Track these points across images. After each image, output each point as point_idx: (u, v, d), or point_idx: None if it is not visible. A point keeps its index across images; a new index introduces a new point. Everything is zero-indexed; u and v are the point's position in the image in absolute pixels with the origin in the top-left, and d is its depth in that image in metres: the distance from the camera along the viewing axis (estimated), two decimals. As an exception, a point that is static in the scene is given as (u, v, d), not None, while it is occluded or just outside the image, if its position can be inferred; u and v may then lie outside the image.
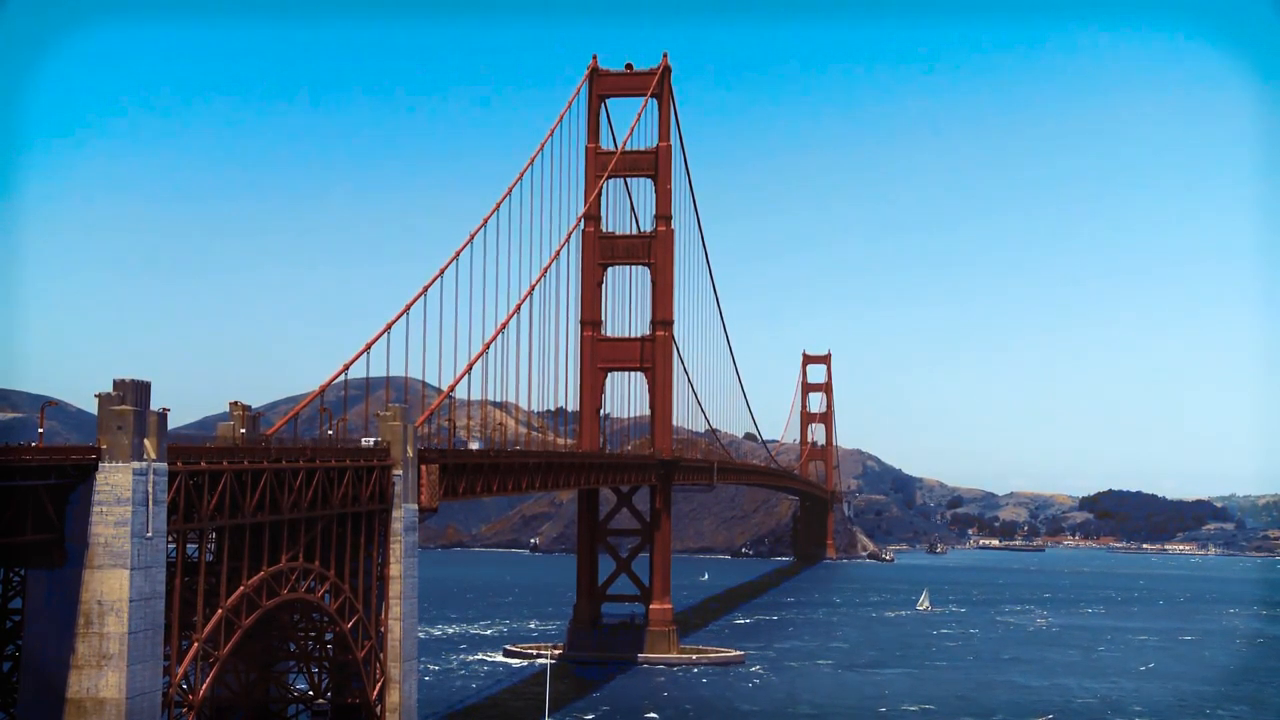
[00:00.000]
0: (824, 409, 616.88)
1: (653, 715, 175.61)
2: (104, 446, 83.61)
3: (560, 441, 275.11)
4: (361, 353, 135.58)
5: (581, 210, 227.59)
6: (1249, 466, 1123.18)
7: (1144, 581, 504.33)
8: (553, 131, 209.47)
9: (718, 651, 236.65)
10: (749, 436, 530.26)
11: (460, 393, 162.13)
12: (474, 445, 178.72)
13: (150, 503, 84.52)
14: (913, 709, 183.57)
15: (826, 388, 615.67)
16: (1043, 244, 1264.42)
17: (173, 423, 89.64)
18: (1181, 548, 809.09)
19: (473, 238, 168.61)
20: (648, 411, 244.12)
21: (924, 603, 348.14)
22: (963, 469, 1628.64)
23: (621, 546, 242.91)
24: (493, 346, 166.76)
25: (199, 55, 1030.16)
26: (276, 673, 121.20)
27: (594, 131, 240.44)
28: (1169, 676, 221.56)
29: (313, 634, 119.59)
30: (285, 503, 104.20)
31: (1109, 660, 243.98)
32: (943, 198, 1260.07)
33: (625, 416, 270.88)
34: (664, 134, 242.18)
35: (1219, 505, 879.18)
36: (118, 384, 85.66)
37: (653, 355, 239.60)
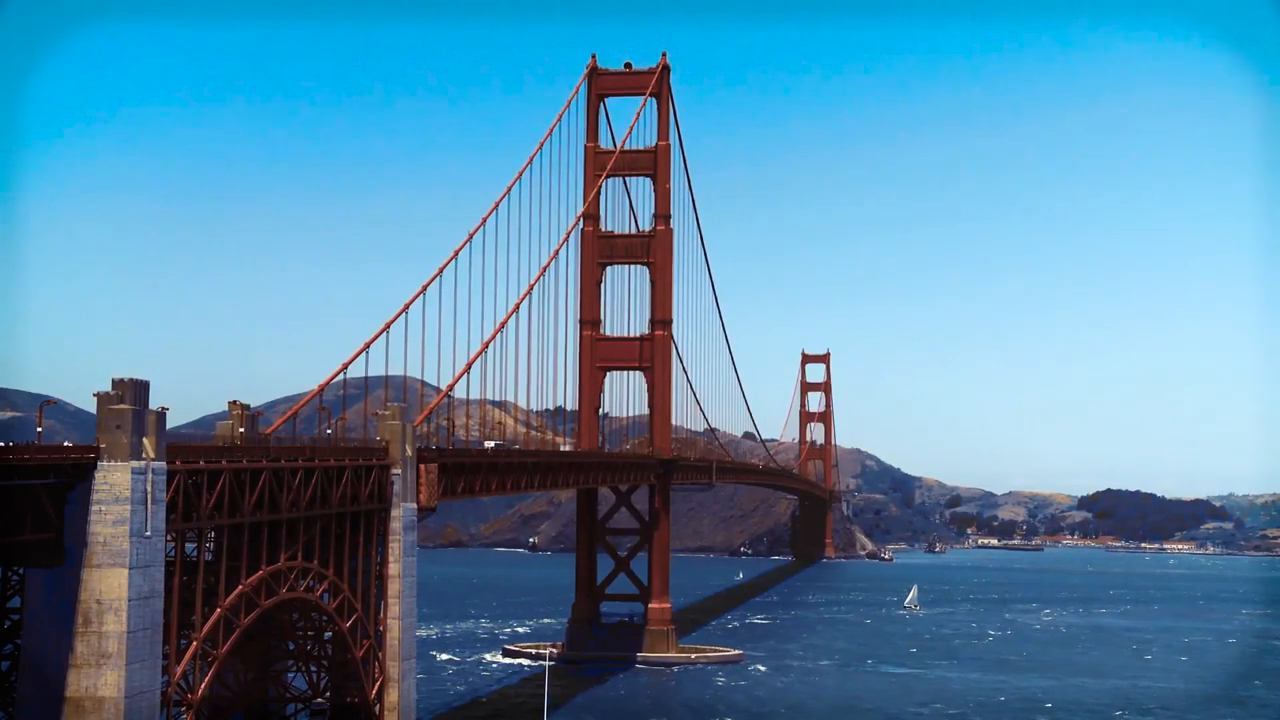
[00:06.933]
0: (823, 408, 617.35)
1: (652, 715, 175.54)
2: (103, 446, 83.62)
3: (560, 441, 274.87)
4: (360, 352, 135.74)
5: (580, 209, 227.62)
6: (1248, 466, 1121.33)
7: (1145, 581, 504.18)
8: (552, 130, 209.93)
9: (717, 650, 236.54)
10: (748, 436, 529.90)
11: (459, 392, 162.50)
12: (489, 444, 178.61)
13: (149, 502, 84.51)
14: (913, 709, 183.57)
15: (825, 387, 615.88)
16: (1043, 243, 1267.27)
17: (171, 422, 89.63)
18: (1180, 547, 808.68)
19: (472, 237, 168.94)
20: (647, 411, 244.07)
21: (912, 601, 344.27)
22: (962, 468, 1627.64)
23: (620, 546, 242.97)
24: (492, 346, 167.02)
25: (199, 55, 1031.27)
26: (275, 672, 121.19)
27: (593, 131, 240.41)
28: (1176, 677, 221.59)
29: (311, 633, 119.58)
30: (284, 502, 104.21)
31: (1113, 660, 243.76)
32: (942, 197, 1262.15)
33: (624, 416, 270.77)
34: (663, 133, 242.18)
35: (1217, 505, 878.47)
36: (116, 383, 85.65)
37: (652, 355, 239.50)
